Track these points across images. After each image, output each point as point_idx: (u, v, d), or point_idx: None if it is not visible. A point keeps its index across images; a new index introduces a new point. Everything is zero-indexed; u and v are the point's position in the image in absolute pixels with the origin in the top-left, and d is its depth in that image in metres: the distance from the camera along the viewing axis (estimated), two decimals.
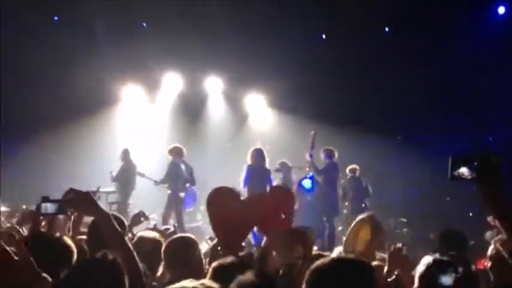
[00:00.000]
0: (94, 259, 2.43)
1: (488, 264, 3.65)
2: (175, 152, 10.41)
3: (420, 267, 3.34)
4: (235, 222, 4.45)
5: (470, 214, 12.37)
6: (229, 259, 3.10)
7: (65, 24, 12.61)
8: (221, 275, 2.85)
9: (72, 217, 3.83)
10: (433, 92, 13.15)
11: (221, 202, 4.62)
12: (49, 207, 2.70)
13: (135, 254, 2.59)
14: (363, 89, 13.15)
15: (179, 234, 4.60)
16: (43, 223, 3.31)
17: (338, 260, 2.16)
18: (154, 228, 5.14)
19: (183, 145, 10.66)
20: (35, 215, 3.20)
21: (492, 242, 3.76)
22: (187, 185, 10.61)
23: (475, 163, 2.21)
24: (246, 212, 4.57)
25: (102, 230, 2.56)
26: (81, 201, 2.49)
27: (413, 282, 3.38)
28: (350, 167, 11.10)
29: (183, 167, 10.43)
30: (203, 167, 11.59)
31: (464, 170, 2.20)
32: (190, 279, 2.01)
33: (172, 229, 5.62)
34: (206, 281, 2.00)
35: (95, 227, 3.77)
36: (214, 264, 3.09)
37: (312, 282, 2.06)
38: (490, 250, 3.67)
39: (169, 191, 10.37)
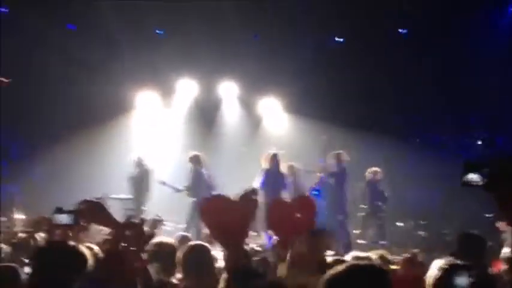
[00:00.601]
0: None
1: (504, 266, 3.60)
2: (196, 160, 10.51)
3: (433, 271, 3.30)
4: (230, 225, 4.46)
5: (489, 215, 12.25)
6: (242, 267, 3.11)
7: (81, 32, 12.73)
8: (235, 283, 2.87)
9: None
10: (449, 93, 13.06)
11: (212, 209, 4.66)
12: (63, 218, 2.72)
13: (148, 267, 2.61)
14: (378, 91, 13.11)
15: (196, 242, 4.63)
16: (57, 232, 3.35)
17: (353, 266, 2.13)
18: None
19: (198, 150, 10.73)
20: (50, 225, 3.24)
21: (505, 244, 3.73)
22: (210, 191, 10.63)
23: (486, 169, 2.19)
24: (238, 212, 4.58)
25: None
26: (93, 211, 2.52)
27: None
28: (372, 169, 11.08)
29: (205, 173, 10.53)
30: (219, 172, 11.61)
31: (474, 176, 2.19)
32: None
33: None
34: None
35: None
36: (226, 274, 3.11)
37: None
38: (504, 252, 3.63)
39: (193, 199, 10.43)
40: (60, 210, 2.53)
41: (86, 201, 2.50)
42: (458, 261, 3.28)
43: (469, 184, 2.24)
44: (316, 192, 10.48)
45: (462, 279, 3.16)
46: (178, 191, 10.55)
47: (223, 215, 4.53)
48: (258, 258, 4.78)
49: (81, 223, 3.12)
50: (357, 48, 13.05)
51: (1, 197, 10.29)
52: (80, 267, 2.86)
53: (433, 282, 3.21)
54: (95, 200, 2.60)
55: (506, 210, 2.19)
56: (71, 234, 2.70)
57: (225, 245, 4.45)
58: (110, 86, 12.47)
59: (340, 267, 2.13)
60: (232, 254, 4.32)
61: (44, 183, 11.91)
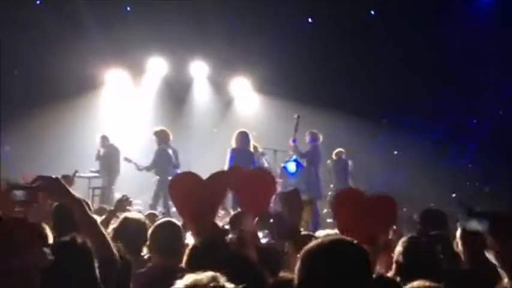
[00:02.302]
0: (62, 242, 2.40)
1: (459, 244, 3.67)
2: (161, 135, 10.32)
3: (398, 248, 3.36)
4: (200, 202, 4.44)
5: (453, 195, 12.50)
6: (203, 242, 3.10)
7: (48, 7, 12.43)
8: (195, 258, 2.86)
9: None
10: (419, 75, 13.19)
11: (181, 185, 4.63)
12: (19, 195, 2.64)
13: (109, 239, 2.56)
14: (349, 73, 13.16)
15: (166, 219, 4.59)
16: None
17: (335, 241, 2.10)
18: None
19: (168, 129, 10.60)
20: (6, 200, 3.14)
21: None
22: (174, 169, 10.52)
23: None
24: (209, 190, 4.56)
25: (75, 215, 2.53)
26: (50, 187, 2.45)
27: (391, 263, 3.40)
28: (336, 150, 11.20)
29: (170, 151, 10.37)
30: (188, 151, 11.55)
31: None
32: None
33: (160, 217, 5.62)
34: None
35: (60, 211, 3.76)
36: (189, 248, 3.09)
37: (308, 262, 2.01)
38: (459, 231, 3.70)
39: (157, 177, 10.31)
40: (15, 186, 2.46)
41: (41, 177, 2.43)
42: (420, 236, 3.36)
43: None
44: (293, 167, 10.43)
45: (423, 253, 3.23)
46: (140, 169, 10.38)
47: (192, 192, 4.51)
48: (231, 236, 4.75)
49: (37, 200, 3.04)
50: (329, 30, 13.04)
51: None
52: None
53: (397, 257, 3.27)
54: (51, 175, 2.52)
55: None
56: (23, 210, 2.64)
57: (193, 221, 4.44)
58: (78, 63, 12.22)
59: (323, 240, 2.13)
60: (200, 230, 4.31)
61: (11, 160, 11.67)
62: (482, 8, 13.27)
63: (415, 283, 2.41)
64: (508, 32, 12.41)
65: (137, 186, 10.71)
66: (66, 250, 2.33)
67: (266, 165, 10.74)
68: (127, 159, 10.67)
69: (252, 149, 9.45)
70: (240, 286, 1.90)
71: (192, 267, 2.39)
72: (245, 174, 5.44)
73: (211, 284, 1.68)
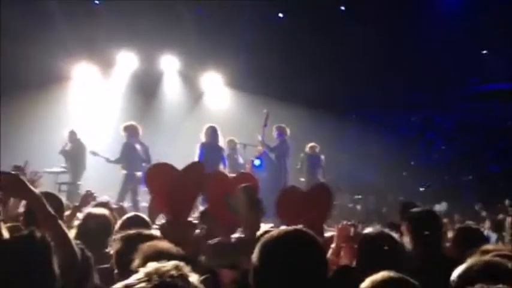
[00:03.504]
0: (18, 236, 2.37)
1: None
2: (130, 130, 10.21)
3: (360, 240, 3.40)
4: (177, 193, 4.45)
5: (422, 189, 12.72)
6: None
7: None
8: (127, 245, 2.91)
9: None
10: (388, 69, 13.34)
11: (158, 176, 4.64)
12: None
13: (69, 235, 2.55)
14: (319, 67, 13.23)
15: (134, 213, 4.57)
16: None
17: (287, 232, 2.15)
18: (105, 204, 5.09)
19: (137, 124, 10.51)
20: None
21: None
22: (144, 164, 10.43)
23: None
24: (186, 181, 4.57)
25: (34, 212, 2.51)
26: (9, 184, 2.42)
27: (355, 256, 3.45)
28: (310, 144, 11.23)
29: (138, 146, 10.27)
30: (158, 146, 11.47)
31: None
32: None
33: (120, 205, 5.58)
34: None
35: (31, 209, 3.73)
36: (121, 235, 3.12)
37: (262, 255, 2.06)
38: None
39: (124, 171, 10.23)
40: None
41: (0, 174, 2.39)
42: (384, 229, 3.40)
43: None
44: (258, 161, 10.53)
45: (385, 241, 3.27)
46: (109, 161, 10.28)
47: (170, 183, 4.52)
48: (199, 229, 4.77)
49: None
50: (299, 24, 13.10)
51: None
52: None
53: (359, 249, 3.31)
54: (12, 172, 2.49)
55: None
56: None
57: (170, 212, 4.44)
58: (45, 57, 12.00)
59: (277, 231, 2.18)
60: (176, 221, 4.33)
61: None
62: (451, 2, 13.45)
63: (379, 274, 2.36)
64: (475, 26, 12.63)
65: (105, 182, 10.60)
66: (24, 244, 2.30)
67: (241, 160, 10.78)
68: (93, 153, 10.53)
69: (221, 144, 9.47)
70: (203, 276, 1.92)
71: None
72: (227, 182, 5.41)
73: (174, 272, 1.68)
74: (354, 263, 3.40)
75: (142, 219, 4.08)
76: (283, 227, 2.34)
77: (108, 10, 12.68)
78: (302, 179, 11.25)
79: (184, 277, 1.60)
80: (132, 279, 1.61)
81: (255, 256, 2.08)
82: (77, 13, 12.35)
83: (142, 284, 1.51)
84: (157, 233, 3.87)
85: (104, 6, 12.99)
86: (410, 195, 11.77)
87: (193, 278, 1.65)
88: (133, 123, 10.42)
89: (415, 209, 4.02)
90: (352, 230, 4.34)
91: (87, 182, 10.48)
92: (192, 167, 4.85)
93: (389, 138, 13.45)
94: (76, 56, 12.93)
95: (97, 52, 13.05)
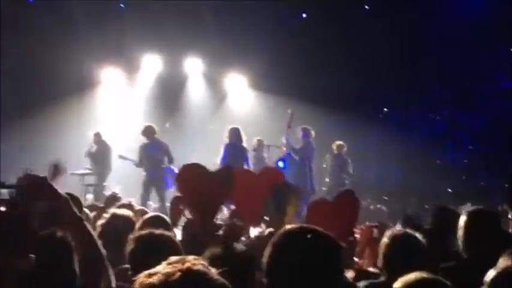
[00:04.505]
0: (40, 235, 2.41)
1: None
2: (148, 132, 10.24)
3: (383, 241, 3.37)
4: (205, 196, 4.50)
5: (449, 190, 12.54)
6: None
7: (41, 5, 12.41)
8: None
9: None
10: (413, 68, 13.19)
11: (190, 177, 4.68)
12: (4, 194, 2.64)
13: (94, 237, 2.58)
14: (343, 67, 13.15)
15: (154, 213, 4.61)
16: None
17: (300, 228, 2.11)
18: (128, 206, 5.14)
19: (162, 126, 10.62)
20: None
21: None
22: (166, 164, 10.43)
23: None
24: (215, 185, 4.62)
25: (61, 214, 2.54)
26: (36, 186, 2.46)
27: (377, 256, 3.43)
28: (337, 142, 11.14)
29: (153, 147, 10.28)
30: (183, 147, 11.57)
31: None
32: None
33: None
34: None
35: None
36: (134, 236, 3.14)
37: (275, 250, 2.05)
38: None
39: (143, 173, 10.34)
40: (2, 185, 2.46)
41: (28, 176, 2.43)
42: (408, 230, 3.36)
43: None
44: (282, 163, 10.51)
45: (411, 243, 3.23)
46: (137, 165, 10.38)
47: (200, 184, 4.57)
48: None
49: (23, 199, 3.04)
50: (322, 24, 13.03)
51: None
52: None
53: (383, 249, 3.28)
54: (37, 175, 2.53)
55: None
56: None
57: (197, 212, 4.49)
58: (73, 63, 12.22)
59: (295, 226, 2.15)
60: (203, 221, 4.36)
61: (9, 159, 11.67)
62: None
63: (412, 275, 2.33)
64: (500, 22, 12.41)
65: (133, 184, 10.74)
66: (45, 244, 2.34)
67: (267, 159, 10.81)
68: (122, 157, 10.65)
69: (244, 144, 9.54)
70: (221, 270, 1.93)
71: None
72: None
73: (196, 261, 1.69)
74: (378, 264, 3.37)
75: (163, 219, 4.11)
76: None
77: (133, 14, 12.83)
78: (327, 179, 11.21)
79: (205, 266, 1.62)
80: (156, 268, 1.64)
81: (267, 252, 2.07)
82: (102, 17, 12.52)
83: (167, 269, 1.54)
84: (170, 233, 3.91)
85: (128, 10, 13.13)
86: (436, 196, 11.63)
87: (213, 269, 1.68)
88: (148, 124, 10.47)
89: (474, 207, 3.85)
90: (375, 231, 4.32)
91: (121, 184, 10.67)
92: (223, 171, 4.90)
93: (414, 138, 13.30)
94: (102, 61, 13.12)
95: (123, 56, 13.23)
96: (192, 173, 4.82)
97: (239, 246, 3.06)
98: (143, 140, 10.28)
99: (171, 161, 10.31)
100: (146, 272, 1.56)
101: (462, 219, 3.54)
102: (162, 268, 1.57)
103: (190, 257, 1.63)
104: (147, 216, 4.26)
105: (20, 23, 11.93)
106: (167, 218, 4.28)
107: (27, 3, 12.74)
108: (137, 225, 4.01)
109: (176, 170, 10.99)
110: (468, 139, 14.02)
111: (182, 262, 1.59)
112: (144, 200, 9.88)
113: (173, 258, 1.63)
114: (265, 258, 2.06)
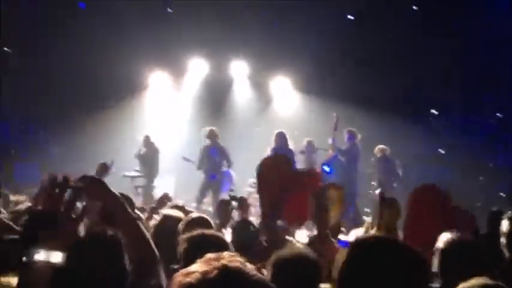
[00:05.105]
0: (92, 233, 2.46)
1: None
2: (211, 135, 10.64)
3: (439, 245, 3.26)
4: (282, 191, 4.50)
5: (503, 194, 12.19)
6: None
7: (92, 11, 12.73)
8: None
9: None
10: (461, 71, 12.90)
11: (274, 167, 4.69)
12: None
13: (148, 237, 2.61)
14: (390, 70, 12.97)
15: (198, 214, 4.65)
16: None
17: (394, 242, 1.95)
18: (181, 207, 5.20)
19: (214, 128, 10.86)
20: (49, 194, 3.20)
21: None
22: (224, 168, 10.70)
23: None
24: (293, 182, 4.63)
25: (116, 214, 2.59)
26: (93, 187, 2.52)
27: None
28: (380, 147, 10.98)
29: (215, 150, 10.55)
30: (230, 151, 11.63)
31: None
32: None
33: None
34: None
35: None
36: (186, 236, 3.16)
37: (362, 254, 1.91)
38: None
39: (203, 175, 10.56)
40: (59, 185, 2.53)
41: (85, 177, 2.49)
42: (462, 237, 3.26)
43: None
44: (327, 168, 10.46)
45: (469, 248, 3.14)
46: (198, 166, 10.66)
47: (280, 179, 4.58)
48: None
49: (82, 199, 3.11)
50: (369, 27, 12.89)
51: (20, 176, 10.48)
52: None
53: (439, 256, 3.19)
54: (94, 176, 2.59)
55: None
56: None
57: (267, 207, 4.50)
58: (121, 67, 12.48)
59: (380, 236, 2.10)
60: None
61: (60, 163, 12.01)
62: None
63: (472, 281, 2.25)
64: None
65: (183, 186, 10.94)
66: (96, 241, 2.39)
67: (317, 161, 10.82)
68: (185, 159, 10.93)
69: (290, 147, 9.60)
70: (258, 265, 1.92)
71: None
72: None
73: (231, 258, 1.70)
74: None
75: (206, 220, 4.14)
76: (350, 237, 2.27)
77: (179, 18, 13.00)
78: (373, 183, 11.05)
79: (242, 262, 1.62)
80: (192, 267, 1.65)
81: (342, 260, 1.93)
82: (149, 21, 12.74)
83: (204, 267, 1.54)
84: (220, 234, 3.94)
85: (175, 14, 13.31)
86: (487, 200, 11.29)
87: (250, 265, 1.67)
88: (211, 127, 10.81)
89: None
90: None
91: (161, 184, 10.86)
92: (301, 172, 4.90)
93: (465, 141, 12.96)
94: (150, 65, 13.36)
95: (170, 60, 13.43)
96: (276, 165, 4.83)
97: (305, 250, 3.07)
98: (194, 141, 10.56)
99: (230, 165, 10.55)
100: (183, 271, 1.57)
101: (505, 224, 3.43)
102: (199, 266, 1.58)
103: (226, 254, 1.64)
104: (190, 217, 4.28)
105: (72, 28, 12.26)
106: (210, 219, 4.30)
107: (78, 8, 13.06)
108: (179, 225, 4.04)
109: (233, 174, 11.20)
110: None
111: (218, 259, 1.60)
112: (199, 200, 10.11)
113: (208, 256, 1.64)
114: (340, 269, 1.93)
